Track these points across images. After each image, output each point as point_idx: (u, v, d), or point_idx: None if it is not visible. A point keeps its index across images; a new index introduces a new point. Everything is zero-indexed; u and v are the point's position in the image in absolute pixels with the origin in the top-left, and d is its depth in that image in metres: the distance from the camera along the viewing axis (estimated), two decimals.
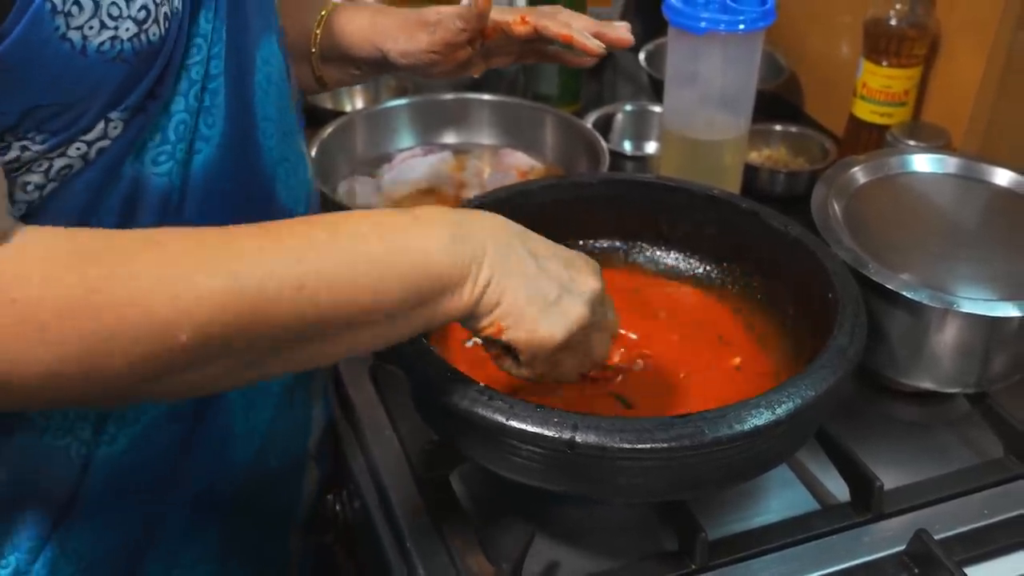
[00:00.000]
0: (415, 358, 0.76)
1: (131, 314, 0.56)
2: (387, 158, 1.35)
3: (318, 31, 0.95)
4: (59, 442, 0.72)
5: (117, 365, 0.57)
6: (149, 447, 0.76)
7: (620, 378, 0.89)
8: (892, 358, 0.93)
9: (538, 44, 0.95)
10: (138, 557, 0.80)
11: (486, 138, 1.40)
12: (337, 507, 1.00)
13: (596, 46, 0.89)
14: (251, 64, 0.77)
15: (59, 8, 0.58)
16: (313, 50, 0.96)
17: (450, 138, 1.40)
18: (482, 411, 0.71)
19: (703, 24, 1.08)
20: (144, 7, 0.62)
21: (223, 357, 0.60)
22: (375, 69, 0.98)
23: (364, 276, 0.63)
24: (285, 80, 0.83)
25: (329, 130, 1.29)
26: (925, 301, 0.88)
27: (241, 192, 0.76)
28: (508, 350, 0.73)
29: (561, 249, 0.74)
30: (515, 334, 0.69)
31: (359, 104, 1.57)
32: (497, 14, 0.91)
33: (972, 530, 0.86)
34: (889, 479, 0.86)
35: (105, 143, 0.65)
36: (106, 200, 0.67)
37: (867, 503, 0.85)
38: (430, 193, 1.28)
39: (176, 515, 0.81)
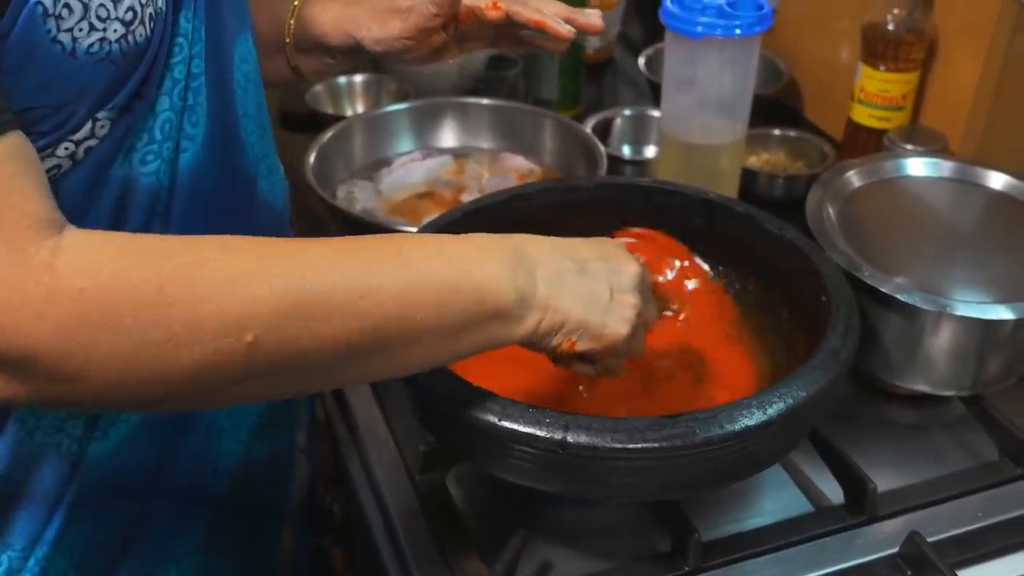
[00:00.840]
0: None
1: (202, 310, 0.57)
2: (386, 162, 1.35)
3: (291, 21, 0.96)
4: (50, 440, 0.73)
5: (184, 363, 0.57)
6: (139, 444, 0.77)
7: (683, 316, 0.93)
8: (887, 361, 0.94)
9: (511, 29, 0.95)
10: (128, 550, 0.80)
11: (485, 142, 1.40)
12: (334, 508, 1.01)
13: (567, 31, 0.89)
14: (229, 62, 0.77)
15: (50, 11, 0.59)
16: (287, 40, 0.96)
17: (449, 142, 1.40)
18: (475, 412, 0.71)
19: (700, 29, 1.08)
20: (131, 8, 0.63)
21: (286, 364, 0.60)
22: (350, 57, 0.98)
23: (429, 294, 0.63)
24: (260, 77, 0.84)
25: (329, 134, 1.30)
26: (919, 304, 0.88)
27: (226, 189, 0.77)
28: (582, 358, 0.74)
29: (594, 244, 0.75)
30: (587, 344, 0.71)
31: (359, 109, 1.57)
32: None
33: (966, 533, 0.86)
34: (883, 481, 0.86)
35: (92, 143, 0.65)
36: (98, 202, 0.68)
37: (861, 505, 0.86)
38: (429, 197, 1.28)
39: (165, 509, 0.82)
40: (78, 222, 0.64)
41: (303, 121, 1.55)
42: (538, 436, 0.70)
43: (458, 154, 1.38)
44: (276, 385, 0.62)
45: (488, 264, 0.67)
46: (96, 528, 0.78)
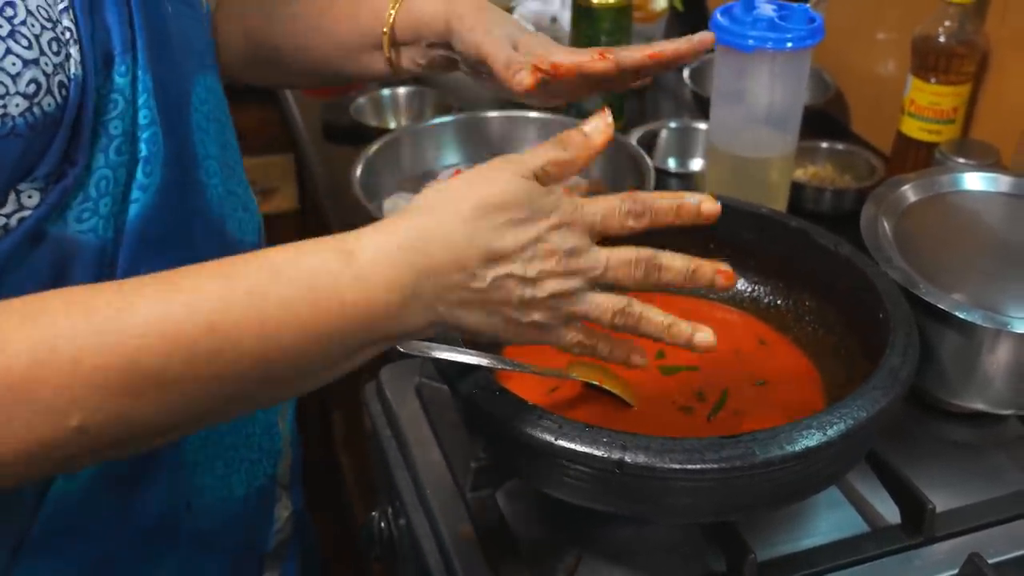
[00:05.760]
0: (462, 376, 0.76)
1: (13, 404, 0.54)
2: (432, 175, 1.35)
3: (393, 11, 0.94)
4: None
5: (6, 453, 0.55)
6: (99, 486, 0.76)
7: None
8: (944, 379, 0.92)
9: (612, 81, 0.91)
10: None
11: None
12: (382, 524, 1.00)
13: (693, 42, 0.89)
14: (187, 107, 0.77)
15: None
16: (385, 30, 0.94)
17: (495, 155, 1.40)
18: (531, 430, 0.71)
19: (751, 42, 1.07)
20: (33, 80, 0.62)
21: (130, 437, 0.58)
22: (441, 54, 0.95)
23: (301, 341, 0.60)
24: (226, 114, 0.83)
25: (375, 147, 1.30)
26: (978, 321, 0.87)
27: (185, 233, 0.76)
28: None
29: (521, 234, 0.69)
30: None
31: (403, 121, 1.57)
32: (570, 55, 0.88)
33: None
34: (940, 501, 0.85)
35: (24, 213, 0.65)
36: (32, 263, 0.67)
37: (919, 526, 0.84)
38: None
39: (132, 547, 0.81)
40: (16, 284, 0.63)
41: (346, 133, 1.56)
42: (595, 456, 0.69)
43: None
44: (134, 448, 0.60)
45: (374, 300, 0.61)
46: (60, 568, 0.77)
